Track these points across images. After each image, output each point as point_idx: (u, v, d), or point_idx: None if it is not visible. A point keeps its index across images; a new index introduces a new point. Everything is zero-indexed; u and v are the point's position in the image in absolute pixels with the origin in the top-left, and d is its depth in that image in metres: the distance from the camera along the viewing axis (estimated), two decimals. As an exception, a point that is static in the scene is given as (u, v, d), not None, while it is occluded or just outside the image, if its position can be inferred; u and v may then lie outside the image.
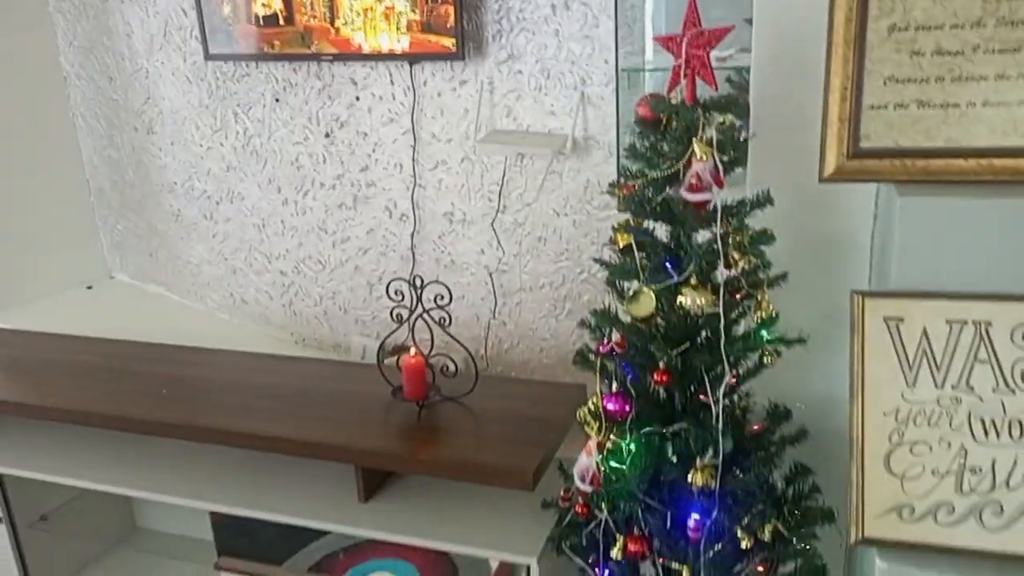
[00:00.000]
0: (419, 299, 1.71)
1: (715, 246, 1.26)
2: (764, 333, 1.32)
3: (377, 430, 1.68)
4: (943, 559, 1.05)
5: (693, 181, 1.19)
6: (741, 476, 1.35)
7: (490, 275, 2.18)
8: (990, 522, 1.02)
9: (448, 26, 2.04)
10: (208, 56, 2.28)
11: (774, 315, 1.33)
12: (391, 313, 1.76)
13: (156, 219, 2.63)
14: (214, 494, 1.80)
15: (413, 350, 1.71)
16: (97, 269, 2.79)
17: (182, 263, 2.64)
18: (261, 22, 2.23)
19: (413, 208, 2.21)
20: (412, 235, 2.24)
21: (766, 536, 1.34)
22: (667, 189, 1.29)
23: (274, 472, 1.87)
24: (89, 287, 2.73)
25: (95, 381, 1.99)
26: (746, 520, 1.31)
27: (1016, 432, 1.02)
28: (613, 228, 1.35)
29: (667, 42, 1.25)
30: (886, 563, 1.07)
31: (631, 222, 1.32)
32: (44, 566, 2.16)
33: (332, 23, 2.18)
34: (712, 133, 1.20)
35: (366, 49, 2.12)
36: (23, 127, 2.56)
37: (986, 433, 1.03)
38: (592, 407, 1.39)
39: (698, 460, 1.33)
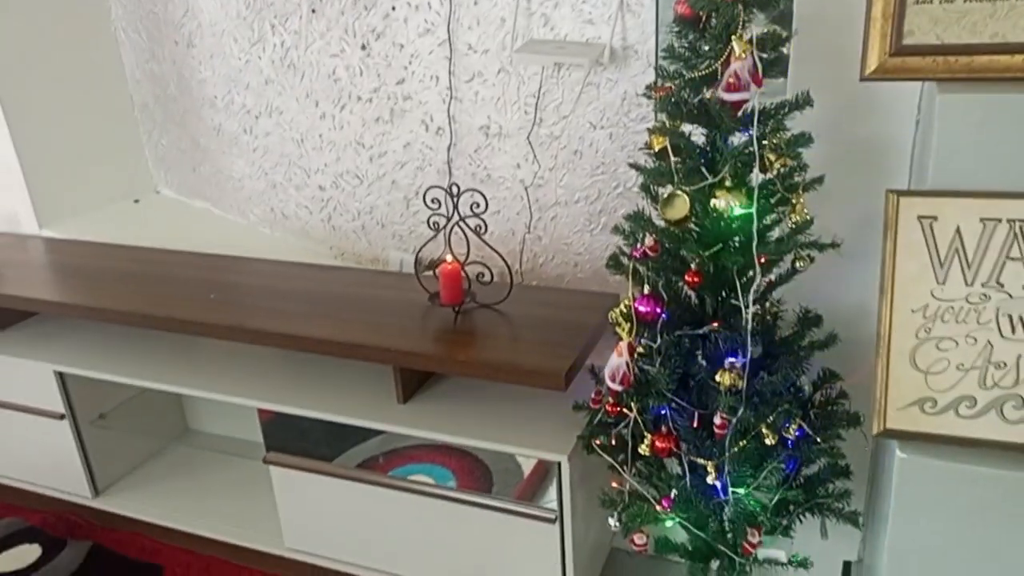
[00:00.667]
0: (455, 207, 1.74)
1: (751, 148, 1.26)
2: (798, 237, 1.33)
3: (415, 333, 1.74)
4: (962, 451, 1.08)
5: (731, 80, 1.19)
6: (768, 378, 1.38)
7: (525, 189, 2.19)
8: (1011, 415, 1.04)
9: (485, -67, 2.00)
10: (244, -33, 2.28)
11: (809, 219, 1.34)
12: (428, 221, 1.79)
13: (198, 133, 2.68)
14: (261, 392, 1.89)
15: (450, 256, 1.75)
16: (143, 183, 2.87)
17: (224, 177, 2.70)
18: (297, -69, 2.21)
19: (449, 122, 2.22)
20: (448, 149, 2.25)
21: (791, 434, 1.38)
22: (704, 90, 1.29)
23: (317, 374, 1.96)
24: (136, 201, 2.81)
25: (146, 286, 2.08)
26: (771, 418, 1.35)
27: (1044, 328, 1.03)
28: (649, 131, 1.35)
29: (708, -63, 1.22)
30: (906, 454, 1.10)
31: (667, 124, 1.32)
32: (104, 460, 2.30)
33: (368, -69, 2.15)
34: (752, 30, 1.19)
35: (402, -42, 2.10)
36: (67, 41, 2.60)
37: (1013, 329, 1.04)
38: (624, 309, 1.43)
39: (726, 361, 1.36)
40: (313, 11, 2.30)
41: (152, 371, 2.03)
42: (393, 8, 2.18)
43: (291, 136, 2.49)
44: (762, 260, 1.30)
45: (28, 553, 2.21)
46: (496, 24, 2.06)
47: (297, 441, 1.90)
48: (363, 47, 2.27)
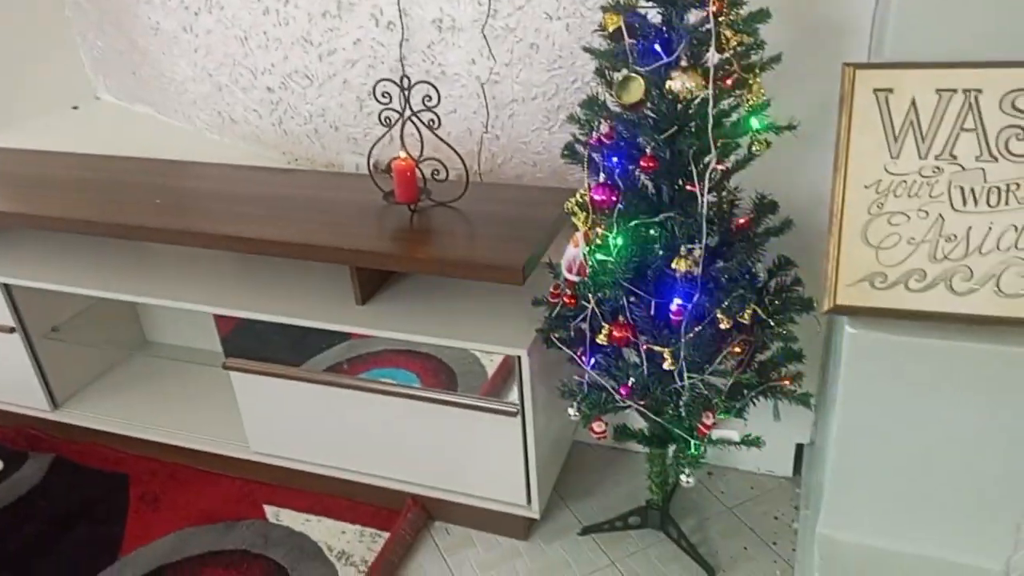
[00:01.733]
0: (407, 100, 1.68)
1: (707, 25, 1.22)
2: (754, 120, 1.31)
3: (371, 232, 1.71)
4: (911, 324, 1.10)
5: (686, -50, 1.14)
6: (724, 264, 1.38)
7: (481, 86, 2.12)
8: (959, 287, 1.06)
9: None
10: None
11: (765, 101, 1.31)
12: (379, 116, 1.73)
13: (136, 33, 2.54)
14: (216, 299, 1.86)
15: (403, 153, 1.71)
16: (81, 89, 2.72)
17: (166, 80, 2.57)
18: None
19: (400, 15, 2.12)
20: (400, 45, 2.16)
21: (745, 319, 1.39)
22: (659, -37, 1.24)
23: (274, 278, 1.93)
24: (75, 107, 2.67)
25: (90, 193, 2.00)
26: (726, 303, 1.36)
27: (994, 199, 1.03)
28: (602, 9, 1.30)
29: None
30: (856, 329, 1.12)
31: (621, 2, 1.27)
32: (61, 373, 2.27)
33: None
34: None
35: None
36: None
37: (964, 201, 1.04)
38: (579, 198, 1.41)
39: (682, 248, 1.36)
40: None
41: (102, 280, 1.98)
42: None
43: (234, 34, 2.36)
44: (717, 143, 1.28)
45: (-11, 467, 2.20)
46: (445, -95, 1.94)
47: (258, 351, 1.89)
48: (305, -66, 2.14)
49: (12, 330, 2.12)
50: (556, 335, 1.61)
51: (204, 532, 1.96)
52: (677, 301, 1.36)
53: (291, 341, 1.83)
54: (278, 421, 1.96)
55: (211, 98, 2.52)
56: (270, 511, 2.03)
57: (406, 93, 1.67)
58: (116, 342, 2.44)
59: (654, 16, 1.31)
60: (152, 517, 2.02)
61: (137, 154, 2.26)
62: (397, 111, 1.69)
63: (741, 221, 1.46)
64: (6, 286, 2.07)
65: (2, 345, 2.16)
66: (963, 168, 1.04)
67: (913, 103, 1.05)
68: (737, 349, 1.43)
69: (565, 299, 1.52)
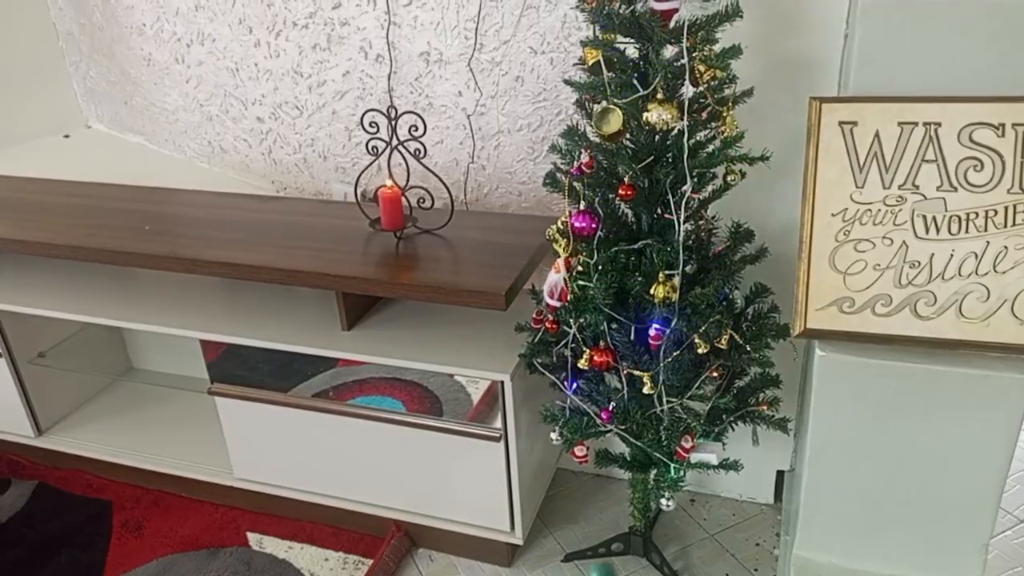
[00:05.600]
0: (394, 130, 1.72)
1: (681, 60, 1.27)
2: (728, 150, 1.35)
3: (357, 258, 1.73)
4: (878, 347, 1.13)
5: (661, -11, 1.19)
6: (701, 291, 1.42)
7: (468, 118, 2.17)
8: (923, 311, 1.10)
9: None
10: None
11: (739, 133, 1.36)
12: (367, 145, 1.77)
13: (128, 64, 2.58)
14: (203, 324, 1.87)
15: (389, 181, 1.74)
16: (73, 118, 2.76)
17: (158, 110, 2.61)
18: None
19: (388, 48, 2.17)
20: (389, 77, 2.21)
21: (723, 344, 1.42)
22: (635, 1, 1.29)
23: (260, 304, 1.95)
24: (66, 136, 2.70)
25: (79, 219, 2.02)
26: (704, 328, 1.39)
27: (955, 227, 1.07)
28: (581, 43, 1.35)
29: None
30: (825, 352, 1.15)
31: (600, 37, 1.32)
32: (46, 399, 2.27)
33: None
34: (681, -61, 1.19)
35: None
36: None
37: (927, 229, 1.09)
38: (560, 225, 1.44)
39: (661, 275, 1.39)
40: (243, -69, 2.21)
41: (89, 306, 1.99)
42: (326, -72, 2.11)
43: (225, 65, 2.41)
44: (693, 173, 1.32)
45: (-29, 494, 2.18)
46: (432, -56, 2.01)
47: (244, 378, 1.90)
48: (296, -30, 2.20)
49: (-2, 355, 2.13)
50: (539, 360, 1.64)
51: (187, 559, 1.96)
52: (656, 326, 1.39)
53: (277, 368, 1.85)
54: (263, 447, 1.97)
55: (201, 128, 2.56)
56: (253, 538, 2.02)
57: (393, 123, 1.71)
58: (102, 368, 2.45)
59: (631, 51, 1.36)
60: (135, 544, 2.01)
61: (127, 182, 2.29)
62: (384, 140, 1.73)
63: (718, 249, 1.50)
64: (-7, 311, 2.08)
65: (-13, 371, 2.16)
66: (925, 197, 1.08)
67: (877, 135, 1.10)
68: (715, 374, 1.46)
69: (547, 324, 1.55)
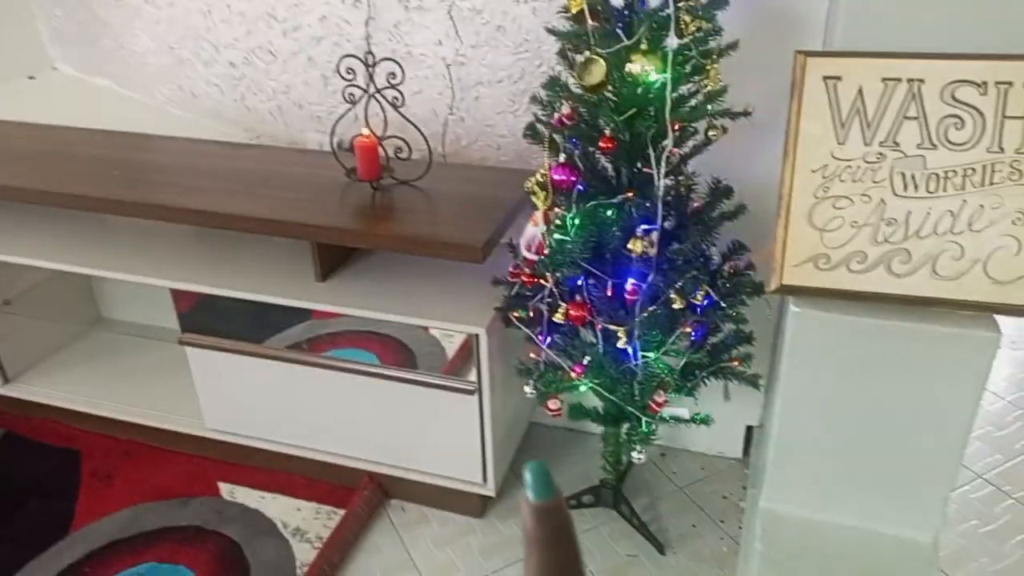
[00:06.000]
0: (371, 77, 1.68)
1: (667, 9, 1.24)
2: (711, 104, 1.34)
3: (332, 208, 1.71)
4: (852, 304, 1.14)
5: (647, -66, 1.16)
6: (679, 246, 1.42)
7: (447, 67, 2.13)
8: (898, 269, 1.10)
9: None
10: None
11: (722, 87, 1.34)
12: (343, 93, 1.73)
13: (96, 4, 2.49)
14: (173, 273, 1.84)
15: (366, 130, 1.71)
16: (38, 59, 2.66)
17: (127, 53, 2.53)
18: None
19: (367, -7, 2.12)
20: (366, 23, 2.16)
21: (699, 300, 1.43)
22: (622, -53, 1.26)
23: (233, 254, 1.92)
24: (31, 77, 2.61)
25: (45, 164, 1.97)
26: (680, 284, 1.39)
27: (933, 185, 1.08)
28: (566, -10, 1.32)
29: None
30: (800, 308, 1.16)
31: (584, -16, 1.29)
32: (13, 347, 2.23)
33: None
34: None
35: None
36: None
37: (905, 187, 1.09)
38: (539, 178, 1.43)
39: (639, 229, 1.39)
40: None
41: (56, 253, 1.94)
42: None
43: (196, 7, 2.33)
44: (675, 127, 1.31)
45: (-64, 441, 2.15)
46: None
47: (215, 329, 1.87)
48: (271, -93, 2.12)
49: (-38, 302, 2.09)
50: (515, 314, 1.63)
51: (158, 507, 1.95)
52: (632, 281, 1.39)
53: (250, 319, 1.83)
54: (234, 398, 1.96)
55: (172, 72, 2.49)
56: (225, 488, 2.02)
57: (371, 70, 1.67)
58: (71, 318, 2.41)
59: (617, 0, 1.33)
60: (105, 493, 2.00)
61: (95, 126, 2.22)
62: (362, 88, 1.69)
63: (696, 205, 1.50)
64: (-44, 256, 2.02)
65: (-49, 317, 2.12)
66: (905, 155, 1.08)
67: (860, 91, 1.09)
68: (689, 330, 1.46)
69: (524, 278, 1.54)
